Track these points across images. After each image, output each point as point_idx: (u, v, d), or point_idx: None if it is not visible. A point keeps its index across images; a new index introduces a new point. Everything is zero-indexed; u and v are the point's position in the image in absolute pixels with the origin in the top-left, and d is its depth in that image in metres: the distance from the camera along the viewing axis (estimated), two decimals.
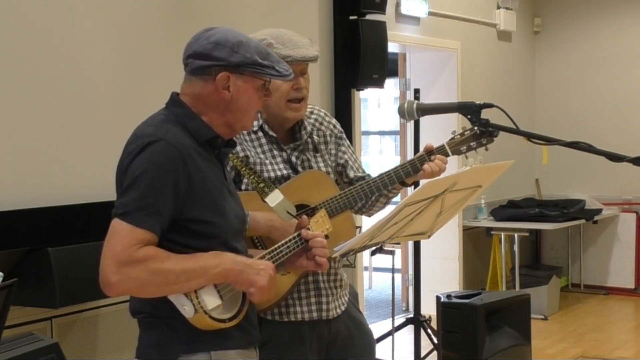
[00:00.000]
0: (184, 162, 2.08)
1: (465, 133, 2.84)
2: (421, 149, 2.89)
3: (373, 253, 2.70)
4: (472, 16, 7.55)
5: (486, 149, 2.85)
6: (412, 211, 2.39)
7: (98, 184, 3.86)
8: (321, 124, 2.95)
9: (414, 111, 2.82)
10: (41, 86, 3.88)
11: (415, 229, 2.53)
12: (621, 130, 8.06)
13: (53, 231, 3.80)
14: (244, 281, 2.12)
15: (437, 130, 6.64)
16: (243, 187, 2.74)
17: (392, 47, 6.64)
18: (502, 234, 7.26)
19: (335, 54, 5.84)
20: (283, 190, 2.70)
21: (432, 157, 2.81)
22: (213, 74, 2.15)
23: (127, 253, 1.99)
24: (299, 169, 2.82)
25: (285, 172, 2.78)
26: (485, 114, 2.63)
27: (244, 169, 2.69)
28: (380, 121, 11.27)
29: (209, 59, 2.15)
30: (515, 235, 7.23)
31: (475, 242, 7.64)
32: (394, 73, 7.40)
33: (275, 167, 2.78)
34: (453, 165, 3.27)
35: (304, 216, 2.35)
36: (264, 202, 2.57)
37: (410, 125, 6.09)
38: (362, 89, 6.00)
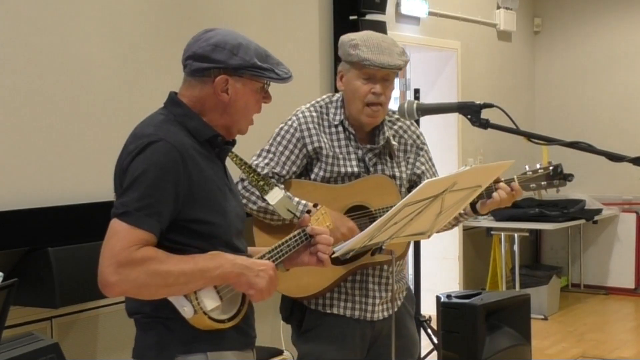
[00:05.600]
0: (185, 163, 2.07)
1: (539, 171, 2.86)
2: None
3: (373, 253, 2.70)
4: (472, 16, 7.55)
5: (557, 191, 2.83)
6: (411, 211, 2.38)
7: (98, 184, 3.86)
8: (405, 132, 2.97)
9: (414, 111, 2.81)
10: (41, 87, 3.88)
11: (415, 229, 2.53)
12: (621, 130, 8.06)
13: (53, 231, 3.79)
14: (243, 283, 2.12)
15: (437, 131, 6.70)
16: (312, 176, 2.79)
17: None
18: (502, 234, 7.25)
19: (335, 54, 5.83)
20: (346, 188, 2.75)
21: (497, 186, 2.78)
22: (212, 77, 2.14)
23: (126, 254, 1.97)
24: (371, 169, 2.85)
25: (356, 169, 2.82)
26: (485, 114, 2.62)
27: (242, 167, 2.68)
28: None
29: (207, 61, 2.14)
30: (515, 235, 7.22)
31: (475, 242, 7.64)
32: None
33: (348, 163, 2.81)
34: (453, 165, 3.27)
35: (306, 215, 2.35)
36: (264, 199, 2.57)
37: None
38: None
